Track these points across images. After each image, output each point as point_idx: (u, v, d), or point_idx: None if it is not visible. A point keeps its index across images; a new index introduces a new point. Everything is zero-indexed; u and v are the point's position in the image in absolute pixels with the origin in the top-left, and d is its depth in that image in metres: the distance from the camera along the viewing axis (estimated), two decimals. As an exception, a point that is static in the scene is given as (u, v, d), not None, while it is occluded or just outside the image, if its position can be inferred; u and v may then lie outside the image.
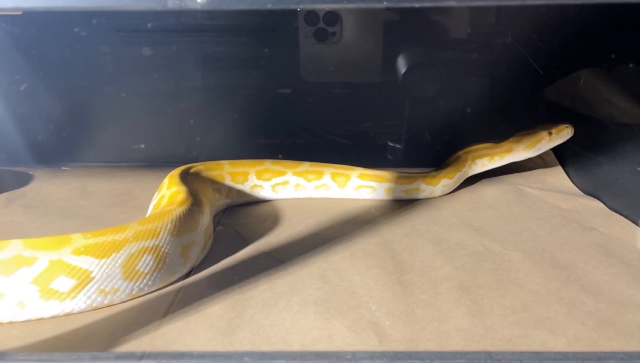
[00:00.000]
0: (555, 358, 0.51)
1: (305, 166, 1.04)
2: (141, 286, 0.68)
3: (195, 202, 0.81)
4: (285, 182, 1.03)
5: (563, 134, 1.07)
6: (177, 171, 0.94)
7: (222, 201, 0.99)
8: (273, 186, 1.03)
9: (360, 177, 1.02)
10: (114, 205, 1.01)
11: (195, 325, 0.62)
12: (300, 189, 1.04)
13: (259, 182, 1.02)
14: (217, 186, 0.98)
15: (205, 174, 0.98)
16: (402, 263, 0.77)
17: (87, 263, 0.63)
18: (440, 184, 1.03)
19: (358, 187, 1.03)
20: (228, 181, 1.00)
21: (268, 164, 1.03)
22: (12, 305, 0.62)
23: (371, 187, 1.02)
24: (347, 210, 0.98)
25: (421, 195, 1.02)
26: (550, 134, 1.06)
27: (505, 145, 1.08)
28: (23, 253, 0.61)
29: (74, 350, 0.58)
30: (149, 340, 0.59)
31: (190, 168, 0.97)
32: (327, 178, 1.03)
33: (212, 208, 0.93)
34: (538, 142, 1.06)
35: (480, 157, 1.08)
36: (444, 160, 1.10)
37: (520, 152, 1.07)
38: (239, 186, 1.01)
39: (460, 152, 1.10)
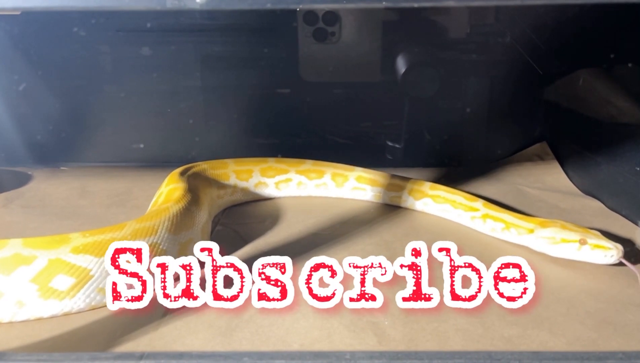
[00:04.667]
0: (554, 358, 0.51)
1: (308, 165, 1.04)
2: (140, 286, 0.68)
3: (192, 199, 0.81)
4: (288, 180, 1.03)
5: (599, 254, 0.74)
6: (178, 169, 0.94)
7: (227, 198, 1.00)
8: (277, 183, 1.03)
9: (357, 179, 1.03)
10: (113, 205, 1.01)
11: (195, 325, 0.62)
12: (302, 187, 1.04)
13: (263, 180, 1.03)
14: (222, 184, 0.99)
15: (210, 172, 0.99)
16: (401, 263, 0.76)
17: (86, 261, 0.63)
18: (421, 201, 0.97)
19: (354, 188, 1.03)
20: (233, 179, 1.01)
21: (271, 162, 1.04)
22: (11, 304, 0.62)
23: (364, 189, 1.02)
24: (347, 210, 0.98)
25: (402, 205, 1.00)
26: (582, 242, 0.76)
27: (531, 222, 0.83)
28: (22, 252, 0.61)
29: (73, 350, 0.57)
30: (148, 340, 0.59)
31: (193, 166, 0.98)
32: (327, 177, 1.04)
33: (213, 206, 0.93)
34: (564, 242, 0.77)
35: (493, 218, 0.87)
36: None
37: (538, 240, 0.80)
38: (243, 183, 1.02)
39: (468, 195, 0.93)
